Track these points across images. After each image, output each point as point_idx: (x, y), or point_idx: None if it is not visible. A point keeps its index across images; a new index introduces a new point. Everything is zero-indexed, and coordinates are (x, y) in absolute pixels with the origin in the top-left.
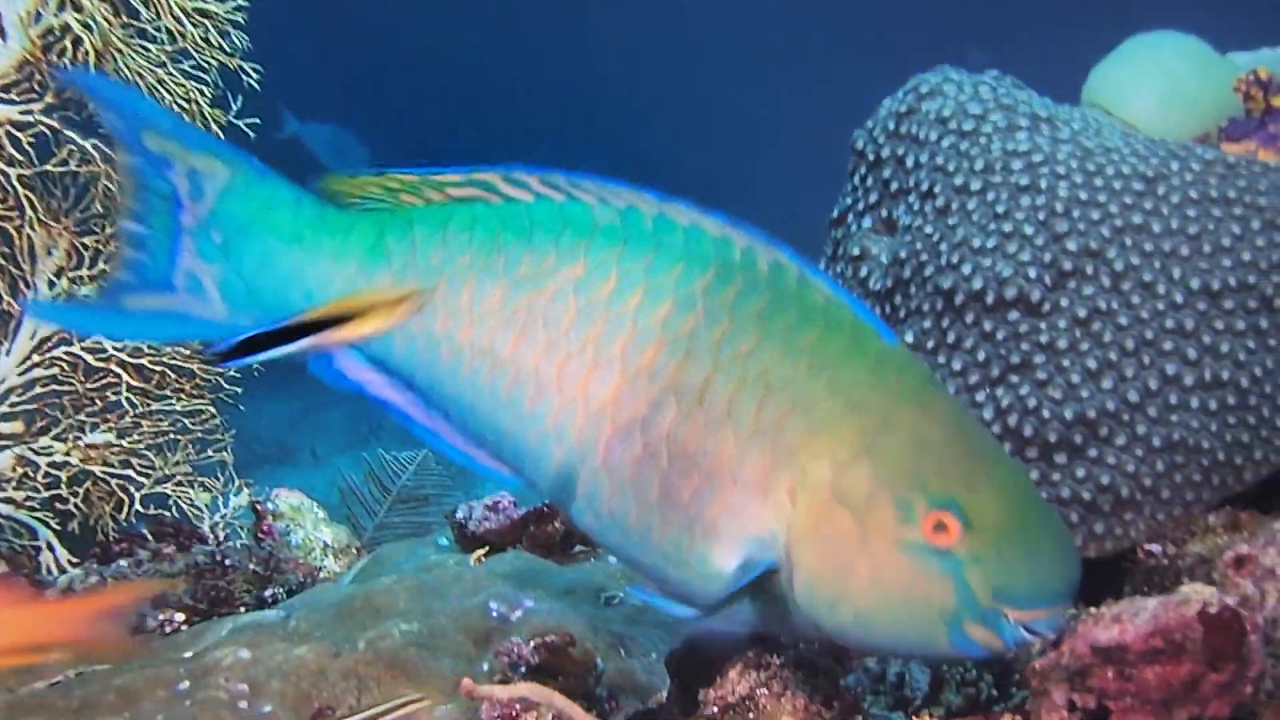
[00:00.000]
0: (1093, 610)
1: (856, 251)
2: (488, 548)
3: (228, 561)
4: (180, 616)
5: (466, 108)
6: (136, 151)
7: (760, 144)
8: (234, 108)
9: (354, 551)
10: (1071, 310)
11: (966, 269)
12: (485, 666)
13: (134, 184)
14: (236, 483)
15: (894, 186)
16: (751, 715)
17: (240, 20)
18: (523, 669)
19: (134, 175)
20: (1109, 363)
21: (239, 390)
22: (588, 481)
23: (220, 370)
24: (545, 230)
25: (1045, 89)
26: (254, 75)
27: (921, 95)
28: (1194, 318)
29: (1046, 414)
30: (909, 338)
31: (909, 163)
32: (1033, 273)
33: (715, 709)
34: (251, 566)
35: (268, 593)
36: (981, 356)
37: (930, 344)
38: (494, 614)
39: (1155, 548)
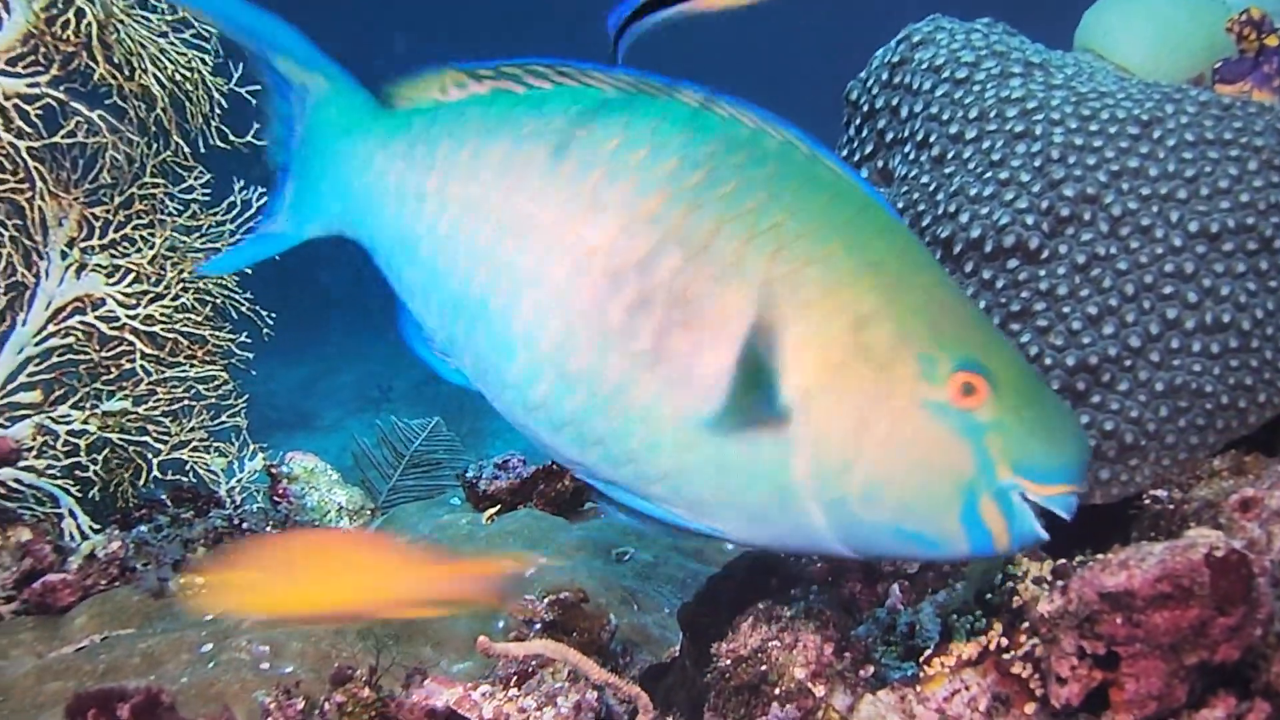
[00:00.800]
0: (1099, 557)
1: None
2: (499, 506)
3: (245, 525)
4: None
5: None
6: (273, 77)
7: (757, 94)
8: (235, 75)
9: (368, 513)
10: (1070, 257)
11: (964, 218)
12: (500, 624)
13: (270, 108)
14: (251, 447)
15: (889, 137)
16: (764, 667)
17: None
18: (537, 625)
19: (267, 107)
20: (1109, 308)
21: (250, 356)
22: (561, 332)
23: (231, 335)
24: (557, 101)
25: (1037, 35)
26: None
27: (914, 44)
28: (1193, 261)
29: (1049, 361)
30: None
31: (903, 112)
32: (1030, 220)
33: (727, 661)
34: (268, 529)
35: None
36: (981, 305)
37: None
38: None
39: (1161, 493)
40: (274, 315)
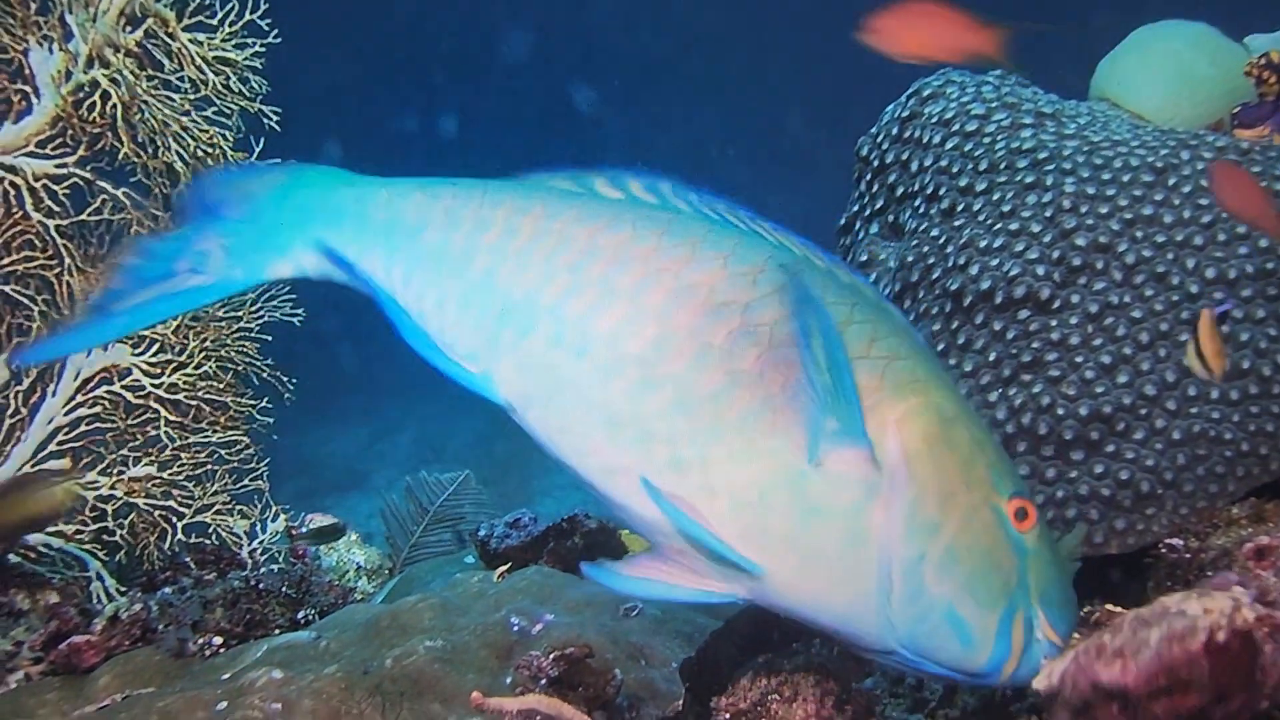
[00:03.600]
0: (1110, 608)
1: (864, 258)
2: (510, 564)
3: (261, 586)
4: (218, 640)
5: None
6: None
7: (767, 151)
8: (256, 149)
9: (386, 572)
10: (1083, 306)
11: (974, 269)
12: (508, 680)
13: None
14: (274, 509)
15: (899, 191)
16: None
17: (259, 65)
18: (543, 681)
19: None
20: (1124, 357)
21: (270, 420)
22: (655, 337)
23: (252, 401)
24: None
25: (1051, 85)
26: (273, 118)
27: (923, 99)
28: (1211, 308)
29: (1061, 411)
30: None
31: (913, 167)
32: (1041, 270)
33: (726, 716)
34: (284, 590)
35: (300, 614)
36: (992, 356)
37: (941, 346)
38: (515, 628)
39: (1178, 542)
40: (294, 381)
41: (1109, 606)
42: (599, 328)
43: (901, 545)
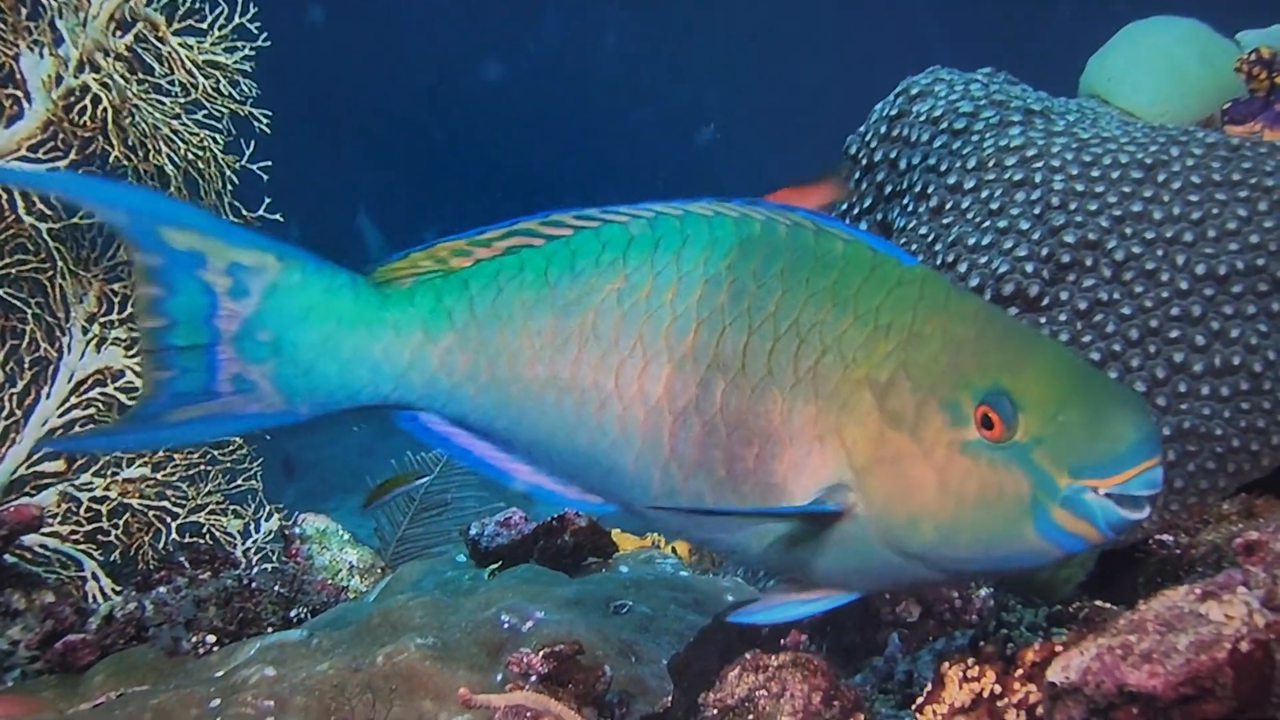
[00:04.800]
0: (1099, 604)
1: None
2: (501, 562)
3: (254, 585)
4: (211, 638)
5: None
6: (159, 251)
7: (755, 153)
8: (246, 153)
9: (378, 571)
10: (1072, 303)
11: (962, 267)
12: (498, 677)
13: (156, 293)
14: (267, 508)
15: (888, 190)
16: (751, 717)
17: (249, 69)
18: (533, 678)
19: (157, 282)
20: (1113, 353)
21: None
22: (661, 477)
23: None
24: (585, 254)
25: (1041, 82)
26: (263, 120)
27: (912, 97)
28: (1201, 304)
29: None
30: None
31: (901, 165)
32: (1030, 268)
33: (714, 711)
34: (277, 589)
35: (293, 613)
36: None
37: None
38: (505, 625)
39: (1168, 538)
40: None
41: (1099, 603)
42: (624, 477)
43: (904, 550)
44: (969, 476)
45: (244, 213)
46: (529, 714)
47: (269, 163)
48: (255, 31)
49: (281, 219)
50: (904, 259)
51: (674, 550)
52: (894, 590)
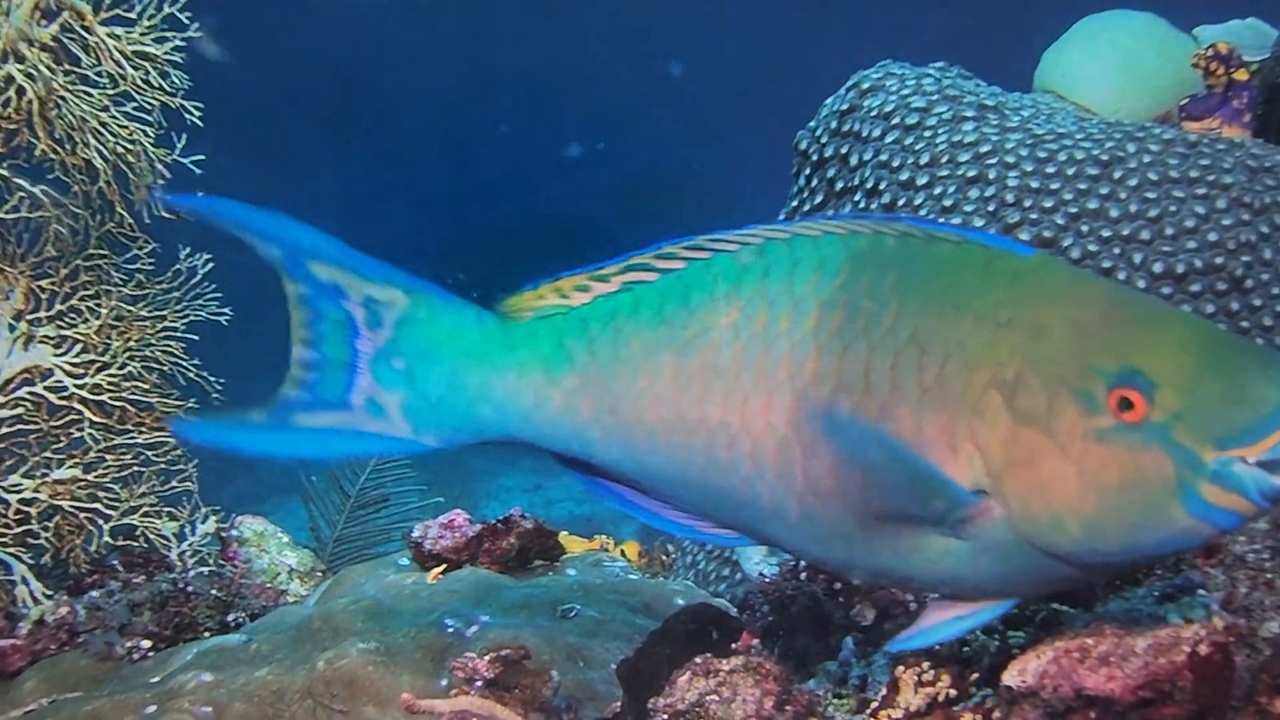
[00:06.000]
0: (1055, 608)
1: None
2: (445, 565)
3: (190, 589)
4: (146, 643)
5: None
6: (305, 281)
7: (708, 148)
8: (178, 145)
9: (319, 574)
10: None
11: None
12: (443, 682)
13: (305, 315)
14: (203, 511)
15: (839, 186)
16: None
17: (180, 60)
18: (478, 683)
19: (305, 307)
20: None
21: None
22: (797, 508)
23: (179, 402)
24: (699, 289)
25: (994, 78)
26: (195, 114)
27: (863, 91)
28: None
29: None
30: None
31: (853, 160)
32: None
33: (664, 717)
34: (213, 593)
35: (230, 617)
36: None
37: None
38: (450, 630)
39: None
40: (222, 381)
41: (1055, 605)
42: (763, 514)
43: (1051, 549)
44: (1110, 465)
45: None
46: (472, 719)
47: (202, 156)
48: (186, 21)
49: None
50: (1019, 250)
51: (623, 553)
52: (1050, 591)
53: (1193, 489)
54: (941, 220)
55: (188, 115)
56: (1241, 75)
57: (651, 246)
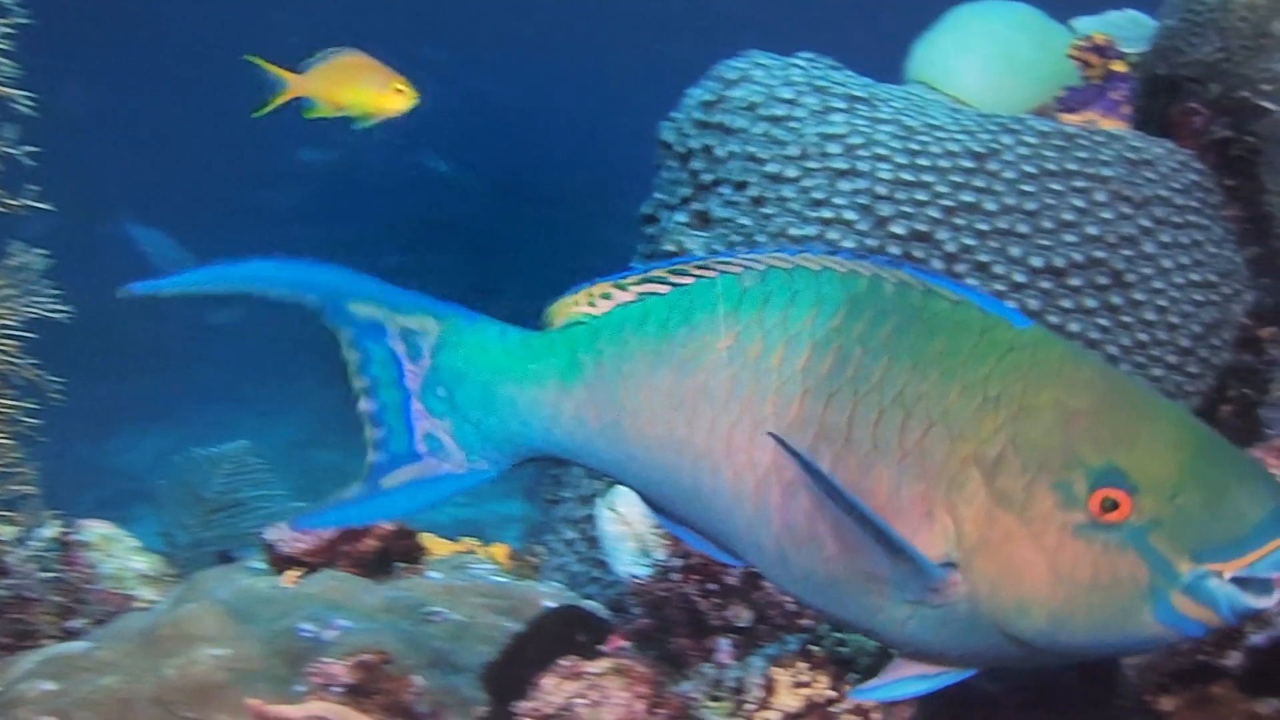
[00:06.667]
0: None
1: (671, 248)
2: (301, 569)
3: (29, 595)
4: None
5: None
6: (350, 324)
7: (570, 141)
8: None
9: (169, 578)
10: None
11: None
12: (299, 688)
13: (357, 358)
14: (45, 514)
15: (705, 179)
16: None
17: (8, 48)
18: (336, 689)
19: (355, 349)
20: None
21: (38, 423)
22: (773, 546)
23: (14, 404)
24: (702, 307)
25: (864, 68)
26: (28, 105)
27: (728, 82)
28: (1038, 298)
29: None
30: None
31: (719, 153)
32: None
33: None
34: (55, 598)
35: (74, 624)
36: None
37: None
38: (306, 635)
39: None
40: (63, 381)
41: None
42: (742, 540)
43: (1014, 633)
44: (1082, 561)
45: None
46: None
47: (38, 149)
48: (14, 7)
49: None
50: (1016, 320)
51: (491, 555)
52: (1012, 668)
53: (1165, 597)
54: (938, 272)
55: (20, 106)
56: (1119, 67)
57: (671, 260)
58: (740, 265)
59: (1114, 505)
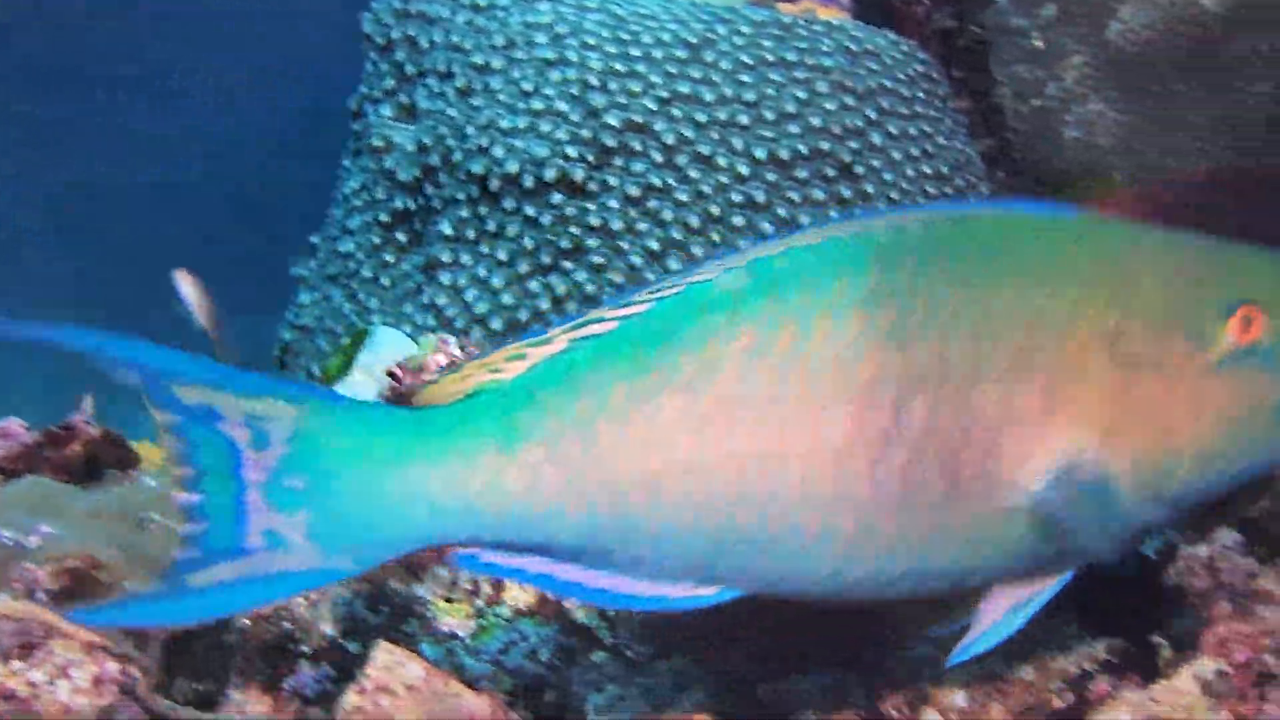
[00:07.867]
0: None
1: (379, 143)
2: (0, 475)
3: None
4: None
5: None
6: (172, 409)
7: (264, 42)
8: None
9: None
10: (622, 189)
11: (498, 151)
12: (2, 597)
13: (179, 445)
14: None
15: (409, 70)
16: (288, 625)
17: None
18: (40, 595)
19: (177, 435)
20: (673, 241)
21: None
22: (858, 523)
23: None
24: (685, 323)
25: None
26: None
27: None
28: (764, 190)
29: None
30: (446, 229)
31: (422, 43)
32: (572, 151)
33: (247, 621)
34: None
35: None
36: (529, 244)
37: (471, 234)
38: (6, 541)
39: None
40: None
41: None
42: (805, 542)
43: (1161, 493)
44: (1224, 394)
45: None
46: (40, 633)
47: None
48: None
49: None
50: (1063, 212)
51: None
52: (1132, 545)
53: None
54: (943, 201)
55: None
56: None
57: (608, 301)
58: (697, 277)
59: (1250, 328)
